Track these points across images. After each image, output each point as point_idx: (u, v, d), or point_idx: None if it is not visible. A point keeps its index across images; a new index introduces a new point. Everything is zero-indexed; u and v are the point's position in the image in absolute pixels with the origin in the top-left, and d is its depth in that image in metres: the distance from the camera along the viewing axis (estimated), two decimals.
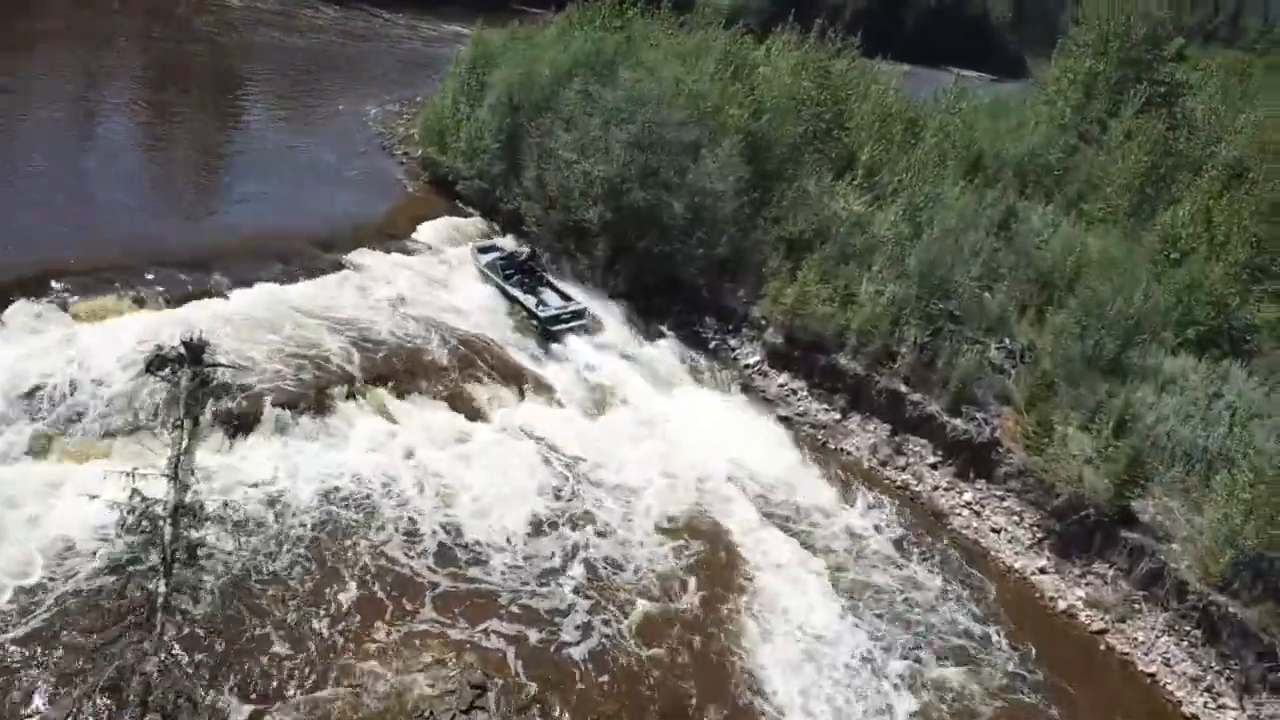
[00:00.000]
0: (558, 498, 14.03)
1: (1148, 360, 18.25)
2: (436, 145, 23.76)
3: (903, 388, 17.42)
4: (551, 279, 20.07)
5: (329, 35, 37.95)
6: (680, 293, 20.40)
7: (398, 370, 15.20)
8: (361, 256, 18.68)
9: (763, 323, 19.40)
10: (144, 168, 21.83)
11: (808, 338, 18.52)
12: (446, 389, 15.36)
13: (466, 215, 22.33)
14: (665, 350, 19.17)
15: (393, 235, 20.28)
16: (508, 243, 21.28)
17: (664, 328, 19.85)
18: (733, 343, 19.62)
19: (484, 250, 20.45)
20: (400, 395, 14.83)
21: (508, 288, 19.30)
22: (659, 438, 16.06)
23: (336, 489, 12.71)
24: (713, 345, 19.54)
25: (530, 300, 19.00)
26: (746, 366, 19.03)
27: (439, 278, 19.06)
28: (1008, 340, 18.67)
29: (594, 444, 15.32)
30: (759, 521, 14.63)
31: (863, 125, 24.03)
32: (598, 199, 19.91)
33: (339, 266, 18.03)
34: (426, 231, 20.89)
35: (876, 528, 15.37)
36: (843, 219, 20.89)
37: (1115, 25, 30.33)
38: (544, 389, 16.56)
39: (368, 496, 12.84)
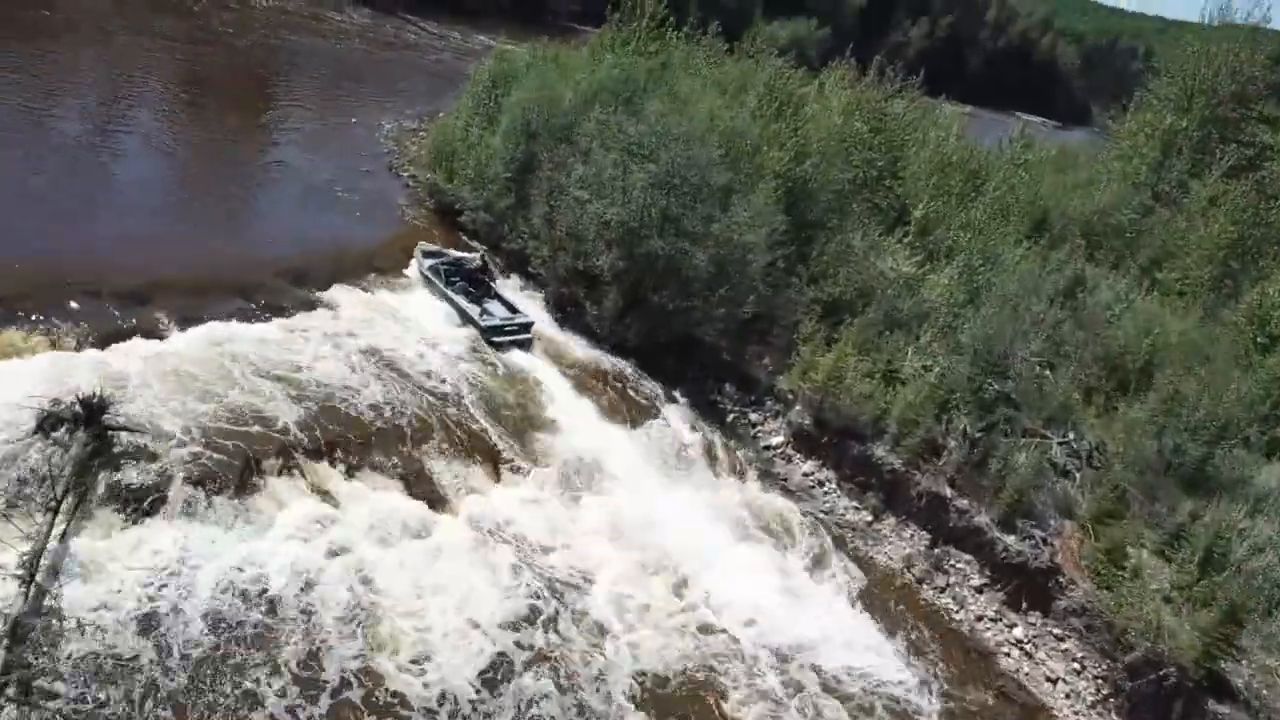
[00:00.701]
0: (527, 624, 11.36)
1: (1236, 470, 15.62)
2: (444, 170, 21.71)
3: (947, 491, 14.83)
4: (500, 291, 18.68)
5: (354, 42, 36.38)
6: (698, 354, 18.04)
7: (352, 440, 12.88)
8: (338, 294, 16.54)
9: (789, 397, 16.96)
10: (104, 171, 19.59)
11: (840, 421, 16.01)
12: (407, 466, 13.00)
13: (470, 250, 20.22)
14: (676, 418, 16.79)
15: (380, 270, 18.17)
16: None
17: (677, 393, 17.47)
18: (753, 417, 17.19)
19: (430, 254, 18.90)
20: (350, 473, 12.45)
21: (449, 293, 17.83)
22: (653, 547, 13.39)
23: (239, 592, 10.22)
24: (730, 419, 17.11)
25: (474, 309, 17.56)
26: (767, 448, 16.57)
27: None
28: (1072, 435, 16.10)
29: (576, 547, 12.78)
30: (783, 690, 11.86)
31: (919, 174, 21.58)
32: (611, 244, 17.66)
33: (309, 305, 15.89)
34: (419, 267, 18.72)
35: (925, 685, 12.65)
36: (890, 280, 18.46)
37: (1201, 80, 27.68)
38: (523, 466, 14.14)
39: (271, 608, 10.26)
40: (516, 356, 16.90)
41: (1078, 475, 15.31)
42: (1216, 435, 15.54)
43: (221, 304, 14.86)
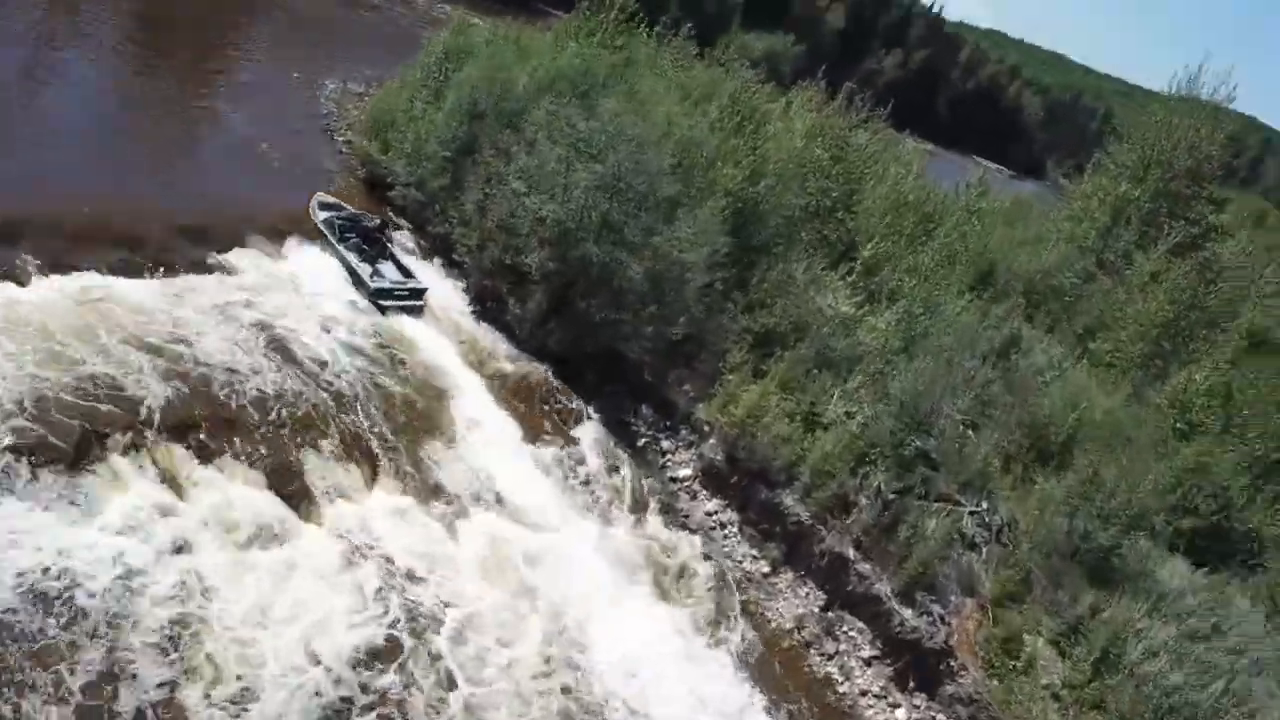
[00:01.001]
0: (376, 663, 10.18)
1: (1142, 563, 15.41)
2: (380, 140, 20.41)
3: (852, 552, 14.23)
4: (398, 254, 17.78)
5: None
6: (619, 370, 17.19)
7: (217, 420, 11.68)
8: (239, 258, 15.27)
9: (706, 428, 16.23)
10: (7, 98, 17.89)
11: (753, 461, 15.31)
12: (275, 458, 11.84)
13: (395, 227, 19.04)
14: (585, 437, 15.91)
15: (293, 235, 16.88)
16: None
17: (591, 409, 16.59)
18: (665, 445, 16.41)
19: (326, 206, 17.90)
20: (204, 458, 11.21)
21: (340, 249, 16.93)
22: (535, 586, 12.28)
23: (38, 593, 8.86)
24: (642, 443, 16.30)
25: (364, 269, 16.69)
26: (674, 480, 15.81)
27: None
28: (985, 505, 15.69)
29: (449, 578, 11.61)
30: None
31: (873, 210, 20.99)
32: (544, 242, 16.67)
33: (204, 267, 14.61)
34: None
35: None
36: (827, 318, 17.83)
37: (1159, 151, 27.69)
38: (409, 473, 13.07)
39: (74, 617, 8.88)
40: (430, 347, 15.88)
41: (984, 549, 14.88)
42: (1128, 525, 15.30)
43: (103, 253, 13.49)
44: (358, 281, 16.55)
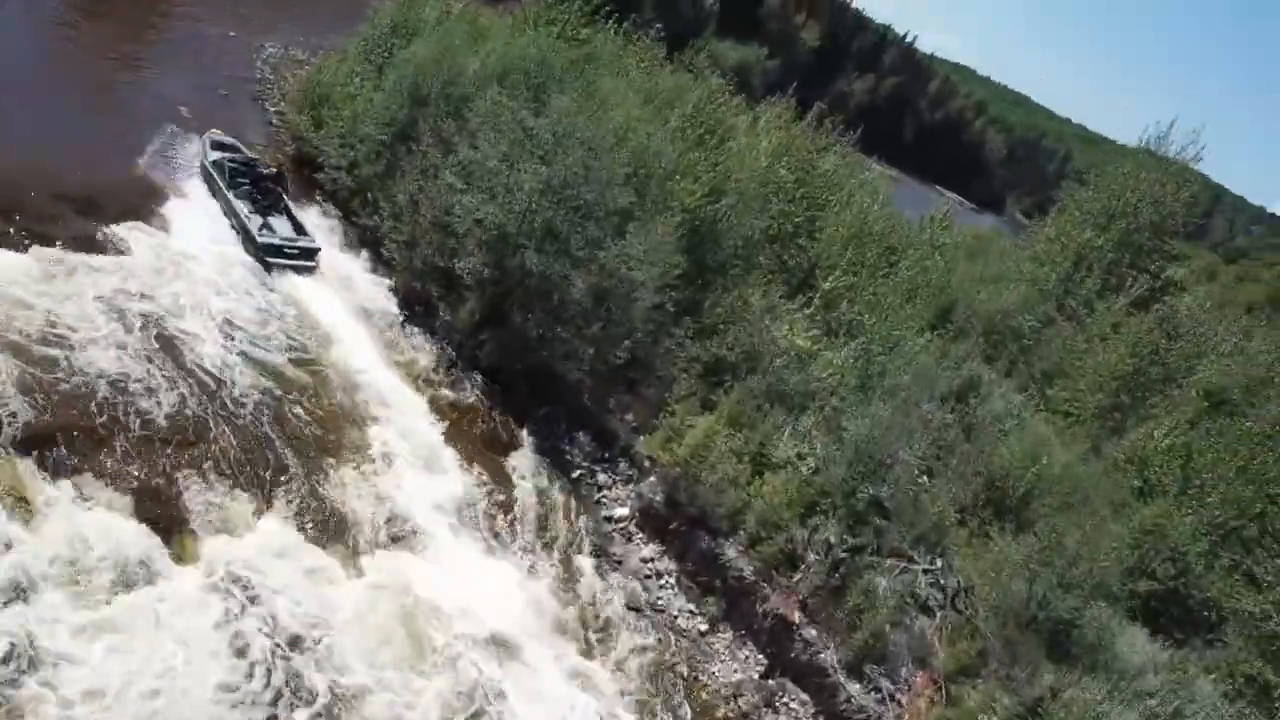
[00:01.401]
0: None
1: (1101, 635, 14.45)
2: (313, 115, 18.65)
3: (797, 615, 12.92)
4: (293, 207, 16.22)
5: None
6: (555, 391, 15.70)
7: (80, 434, 9.93)
8: (132, 234, 13.45)
9: (646, 464, 14.83)
10: None
11: (695, 505, 13.92)
12: (146, 478, 10.10)
13: (322, 212, 17.33)
14: (514, 463, 14.39)
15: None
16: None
17: (523, 432, 15.06)
18: (602, 479, 14.93)
19: (220, 146, 16.33)
20: (53, 473, 9.45)
21: (230, 195, 15.40)
22: (443, 653, 10.50)
23: None
24: (576, 475, 14.78)
25: (253, 221, 15.16)
26: (609, 519, 14.32)
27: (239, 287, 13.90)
28: (940, 564, 14.57)
29: (338, 640, 9.73)
30: None
31: (835, 238, 19.84)
32: (480, 246, 15.14)
33: (90, 243, 12.78)
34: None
35: None
36: (781, 349, 16.59)
37: (1125, 203, 27.29)
38: (303, 503, 11.31)
39: None
40: (350, 353, 14.16)
41: (938, 614, 13.73)
42: (1088, 594, 14.34)
43: None
44: (245, 235, 15.05)
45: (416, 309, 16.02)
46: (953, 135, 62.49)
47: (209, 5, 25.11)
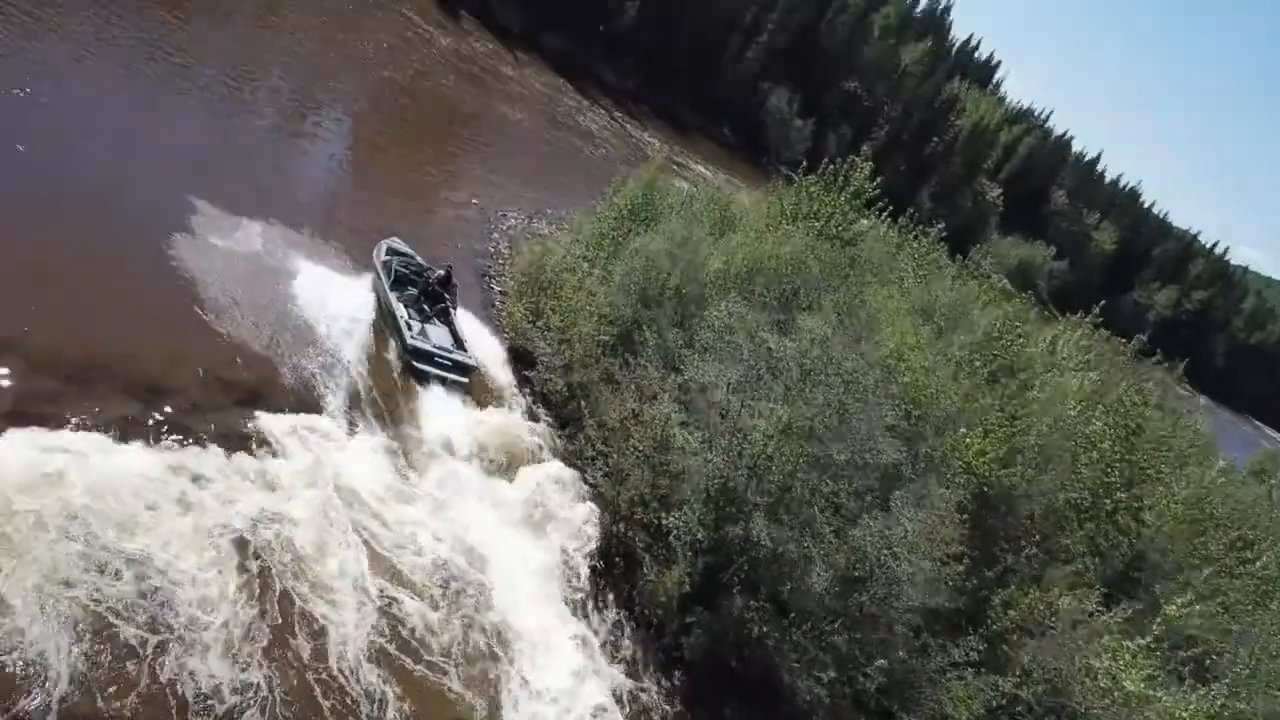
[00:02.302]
0: None
1: None
2: (531, 303, 16.40)
3: None
4: (458, 321, 15.43)
5: (521, 110, 32.15)
6: (775, 704, 11.58)
7: None
8: (283, 426, 11.10)
9: None
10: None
11: None
12: None
13: (534, 419, 14.68)
14: None
15: (380, 417, 12.73)
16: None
17: None
18: None
19: (395, 252, 16.08)
20: None
21: (391, 296, 14.93)
22: None
23: None
24: None
25: (412, 326, 14.51)
26: None
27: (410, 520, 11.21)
28: None
29: None
30: None
31: (1167, 519, 14.69)
32: (696, 496, 11.70)
33: (234, 437, 10.52)
34: (436, 424, 13.17)
35: None
36: (1101, 691, 11.65)
37: None
38: None
39: None
40: None
41: None
42: None
43: (106, 401, 9.62)
44: (399, 337, 14.25)
45: (615, 561, 12.63)
46: (1268, 363, 53.65)
47: (455, 169, 24.52)
